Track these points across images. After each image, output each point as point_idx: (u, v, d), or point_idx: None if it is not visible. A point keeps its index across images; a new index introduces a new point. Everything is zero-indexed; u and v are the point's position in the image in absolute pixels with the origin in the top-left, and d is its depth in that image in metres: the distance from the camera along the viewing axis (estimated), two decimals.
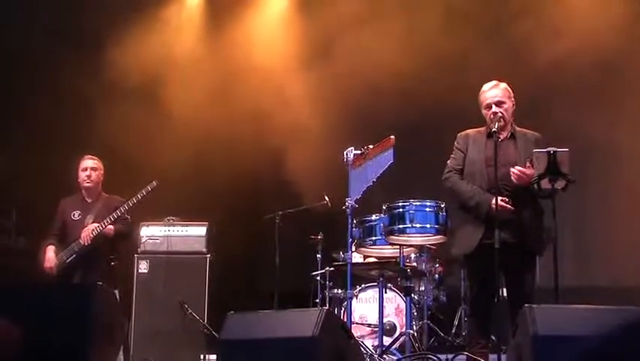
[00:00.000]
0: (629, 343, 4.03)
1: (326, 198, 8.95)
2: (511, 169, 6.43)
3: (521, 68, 9.28)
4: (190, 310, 8.89)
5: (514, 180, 6.42)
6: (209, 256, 9.23)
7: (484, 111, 6.71)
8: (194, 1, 11.16)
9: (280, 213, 9.37)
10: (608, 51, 9.57)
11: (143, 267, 9.18)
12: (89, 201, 8.46)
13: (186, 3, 11.15)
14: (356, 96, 10.00)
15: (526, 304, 5.57)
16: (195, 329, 8.90)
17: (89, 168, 8.45)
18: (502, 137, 6.52)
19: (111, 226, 8.19)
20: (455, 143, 6.83)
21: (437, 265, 9.40)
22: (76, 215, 8.39)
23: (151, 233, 9.30)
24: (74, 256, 8.19)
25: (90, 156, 8.53)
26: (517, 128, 6.72)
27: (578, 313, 5.54)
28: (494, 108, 6.64)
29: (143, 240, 9.23)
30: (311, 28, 10.51)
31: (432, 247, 8.43)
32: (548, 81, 9.77)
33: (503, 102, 6.68)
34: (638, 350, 3.74)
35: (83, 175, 8.44)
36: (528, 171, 6.36)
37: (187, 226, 9.33)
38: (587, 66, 9.51)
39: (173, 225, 9.33)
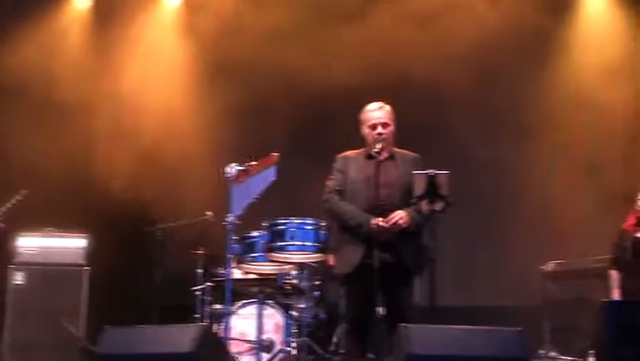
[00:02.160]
0: None
1: (208, 213, 8.92)
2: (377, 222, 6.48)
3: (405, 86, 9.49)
4: (66, 324, 8.73)
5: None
6: (87, 268, 9.08)
7: (366, 130, 6.74)
8: (82, 5, 10.98)
9: (162, 226, 9.30)
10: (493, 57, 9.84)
11: (19, 278, 8.98)
12: None
13: (73, 6, 10.96)
14: (242, 111, 10.02)
15: (402, 324, 5.66)
16: (72, 343, 8.76)
17: None
18: (381, 157, 6.57)
19: None
20: (334, 164, 6.83)
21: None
22: None
23: (28, 244, 9.11)
24: None
25: None
26: (396, 150, 6.78)
27: (452, 333, 5.67)
28: (379, 129, 6.70)
29: (19, 250, 9.04)
30: (200, 37, 10.49)
31: (313, 264, 8.46)
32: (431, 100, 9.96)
33: (388, 124, 6.74)
34: None
35: None
36: (387, 226, 6.45)
37: (65, 237, 9.16)
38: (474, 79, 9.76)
39: (51, 236, 9.16)
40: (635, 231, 7.85)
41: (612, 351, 5.44)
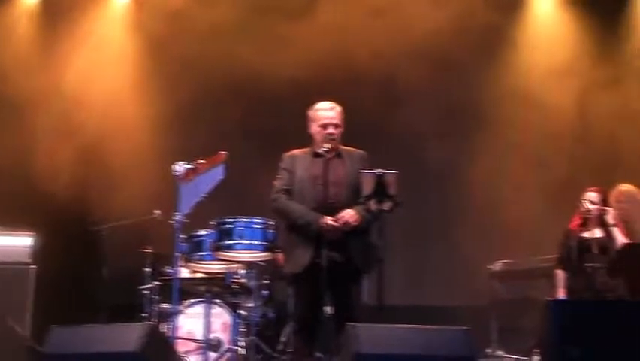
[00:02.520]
0: None
1: (157, 211, 8.86)
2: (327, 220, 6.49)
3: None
4: (12, 323, 8.63)
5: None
6: (34, 267, 8.98)
7: (316, 129, 6.75)
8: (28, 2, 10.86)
9: (109, 225, 9.22)
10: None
11: None
12: None
13: (22, 0, 10.84)
14: (191, 108, 9.97)
15: (350, 323, 5.67)
16: (18, 342, 8.65)
17: None
18: (329, 156, 6.58)
19: None
20: (281, 163, 6.83)
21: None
22: None
23: None
24: None
25: None
26: (342, 147, 6.81)
27: (400, 332, 5.69)
28: (330, 130, 6.71)
29: None
30: (149, 34, 10.42)
31: (262, 263, 8.45)
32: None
33: (339, 125, 6.77)
34: None
35: None
36: (337, 225, 6.48)
37: (11, 235, 9.05)
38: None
39: None
40: (581, 231, 7.94)
41: (556, 350, 5.49)
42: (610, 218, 7.92)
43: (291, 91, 9.47)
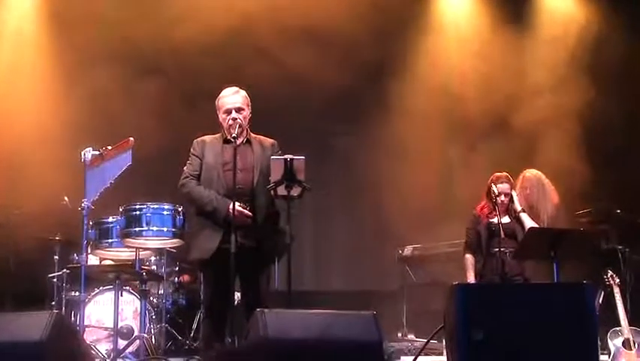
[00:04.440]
0: None
1: (65, 198, 8.73)
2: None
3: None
4: None
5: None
6: None
7: (222, 116, 6.75)
8: None
9: (16, 212, 9.08)
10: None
11: None
12: None
13: None
14: (101, 94, 9.82)
15: (258, 308, 5.67)
16: None
17: None
18: (238, 142, 6.56)
19: None
20: (191, 149, 6.81)
21: (181, 276, 9.44)
22: None
23: None
24: None
25: None
26: (252, 135, 6.81)
27: (308, 317, 5.70)
28: (234, 114, 6.69)
29: None
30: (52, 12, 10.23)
31: (172, 250, 8.41)
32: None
33: (242, 109, 6.75)
34: None
35: None
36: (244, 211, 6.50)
37: None
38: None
39: None
40: (489, 216, 8.04)
41: (461, 334, 5.55)
42: (518, 204, 8.08)
43: (202, 71, 9.41)
